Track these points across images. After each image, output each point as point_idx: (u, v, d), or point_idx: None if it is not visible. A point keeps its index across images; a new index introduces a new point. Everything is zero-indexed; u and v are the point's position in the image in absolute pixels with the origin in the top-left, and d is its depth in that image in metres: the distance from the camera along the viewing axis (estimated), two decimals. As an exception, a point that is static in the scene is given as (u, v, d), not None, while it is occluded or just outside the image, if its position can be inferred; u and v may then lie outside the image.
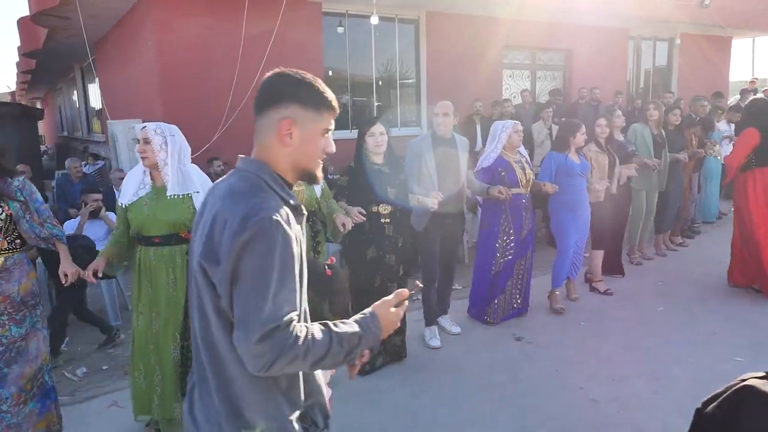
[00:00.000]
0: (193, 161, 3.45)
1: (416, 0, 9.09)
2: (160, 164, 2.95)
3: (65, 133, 17.84)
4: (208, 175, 3.57)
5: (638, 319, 4.64)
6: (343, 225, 3.31)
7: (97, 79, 11.73)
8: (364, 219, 3.44)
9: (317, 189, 3.40)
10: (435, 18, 9.76)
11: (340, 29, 9.22)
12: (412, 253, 3.99)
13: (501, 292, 4.55)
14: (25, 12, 11.14)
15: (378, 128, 3.62)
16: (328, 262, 2.07)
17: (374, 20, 8.80)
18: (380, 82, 9.93)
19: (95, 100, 12.50)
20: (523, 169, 4.50)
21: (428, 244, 4.17)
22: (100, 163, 10.49)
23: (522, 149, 4.70)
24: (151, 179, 3.02)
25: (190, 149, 3.15)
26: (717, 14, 11.82)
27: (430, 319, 4.34)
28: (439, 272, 4.33)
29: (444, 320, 4.51)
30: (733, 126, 7.70)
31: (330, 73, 9.39)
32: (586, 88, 10.21)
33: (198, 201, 2.95)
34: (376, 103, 9.83)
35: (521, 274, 4.66)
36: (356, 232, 3.48)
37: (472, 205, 5.58)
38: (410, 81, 10.13)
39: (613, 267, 5.69)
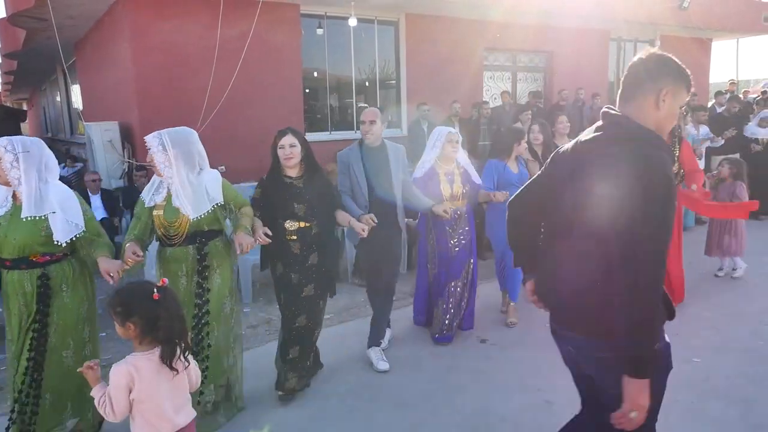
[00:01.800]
0: None
1: (396, 2, 9.11)
2: (13, 183, 2.76)
3: (49, 134, 17.74)
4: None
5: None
6: (240, 246, 2.96)
7: (78, 80, 11.70)
8: (269, 241, 3.12)
9: (214, 197, 3.10)
10: (415, 20, 9.79)
11: (319, 31, 9.23)
12: (331, 275, 3.62)
13: (435, 305, 4.34)
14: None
15: (288, 140, 3.36)
16: (160, 283, 2.00)
17: (352, 22, 8.82)
18: (365, 84, 9.95)
19: (78, 101, 12.43)
20: (452, 182, 4.23)
21: (366, 259, 4.00)
22: (79, 165, 10.44)
23: (462, 159, 4.40)
24: (13, 197, 2.84)
25: (56, 163, 2.97)
26: (696, 16, 11.93)
27: (375, 339, 4.03)
28: (378, 294, 4.04)
29: (372, 352, 3.99)
30: (703, 128, 7.63)
31: (315, 74, 9.41)
32: (567, 89, 10.27)
33: (56, 221, 2.76)
34: (356, 105, 9.84)
35: (457, 297, 4.30)
36: (267, 246, 3.24)
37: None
38: (390, 82, 10.16)
39: None
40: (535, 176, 2.18)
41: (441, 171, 4.24)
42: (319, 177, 3.52)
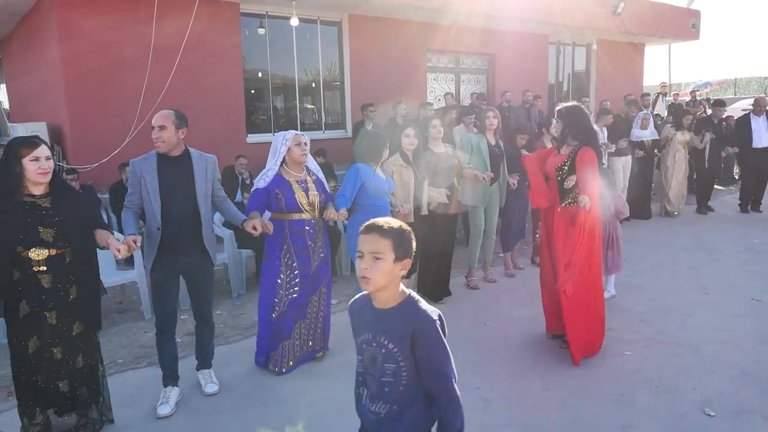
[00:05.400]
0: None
1: (338, 2, 9.07)
2: None
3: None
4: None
5: (540, 318, 4.78)
6: None
7: (4, 79, 11.09)
8: None
9: None
10: (358, 21, 9.78)
11: (261, 31, 9.09)
12: (94, 308, 3.05)
13: (287, 336, 3.80)
14: None
15: (43, 151, 2.77)
16: None
17: (294, 22, 8.73)
18: (310, 85, 9.85)
19: (5, 101, 11.80)
20: (307, 190, 3.78)
21: (157, 287, 3.42)
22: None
23: (312, 164, 3.97)
24: None
25: None
26: (629, 21, 12.43)
27: (207, 361, 3.72)
28: (195, 319, 3.68)
29: (201, 375, 3.69)
30: (605, 131, 7.55)
31: (260, 75, 9.25)
32: (510, 91, 10.46)
33: None
34: (299, 106, 9.74)
35: (315, 314, 3.97)
36: (7, 282, 2.80)
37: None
38: (334, 83, 10.10)
39: (440, 291, 5.17)
40: None
41: (291, 178, 3.75)
42: (71, 192, 3.02)
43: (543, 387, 3.59)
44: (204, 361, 3.72)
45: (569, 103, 4.00)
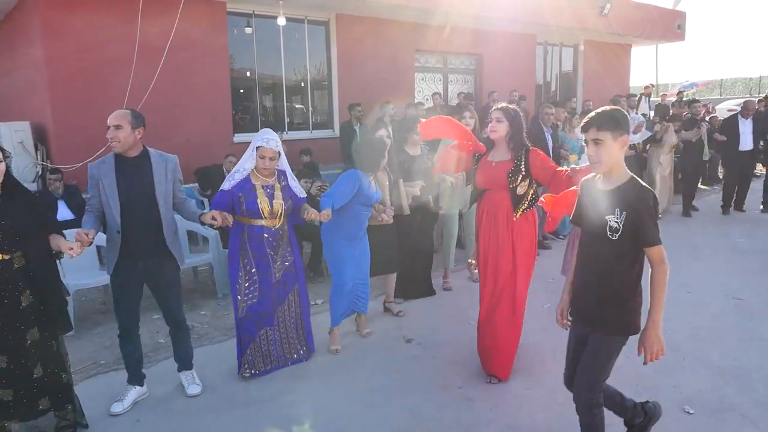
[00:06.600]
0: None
1: (325, 2, 9.05)
2: None
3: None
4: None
5: (525, 316, 4.80)
6: None
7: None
8: None
9: None
10: (345, 20, 9.77)
11: (248, 30, 9.06)
12: (58, 310, 2.98)
13: (253, 338, 3.75)
14: None
15: None
16: None
17: (281, 21, 8.71)
18: (298, 84, 9.83)
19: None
20: (272, 197, 3.63)
21: (118, 290, 3.37)
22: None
23: (287, 169, 3.82)
24: None
25: None
26: (616, 22, 12.52)
27: (187, 362, 3.67)
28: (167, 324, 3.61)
29: (184, 376, 3.65)
30: None
31: (248, 74, 9.21)
32: (497, 91, 10.50)
33: None
34: (286, 105, 9.72)
35: (285, 323, 3.87)
36: None
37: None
38: (322, 83, 10.09)
39: (423, 289, 5.21)
40: None
41: (258, 183, 3.64)
42: (23, 194, 2.89)
43: (526, 386, 3.61)
44: (183, 362, 3.68)
45: (512, 105, 3.69)
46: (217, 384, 3.70)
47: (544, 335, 4.38)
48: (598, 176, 2.45)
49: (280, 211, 3.65)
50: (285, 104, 9.67)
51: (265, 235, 3.65)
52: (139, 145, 3.29)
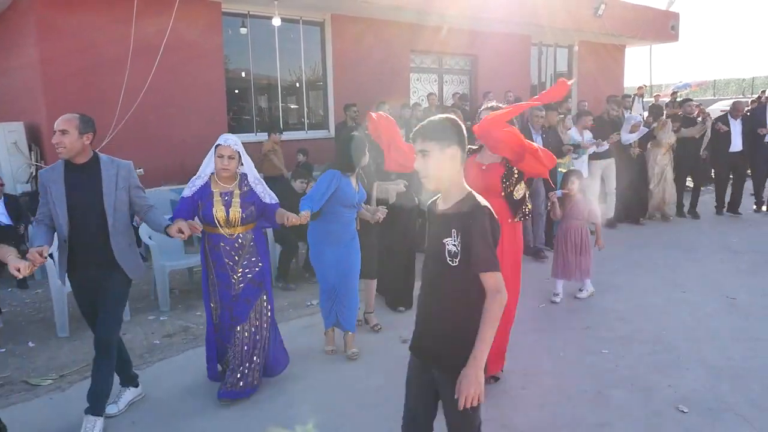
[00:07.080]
0: None
1: (320, 2, 9.05)
2: None
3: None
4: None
5: (521, 316, 4.81)
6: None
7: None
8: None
9: None
10: (340, 21, 9.77)
11: (243, 30, 9.05)
12: None
13: (224, 353, 3.61)
14: None
15: None
16: None
17: (276, 22, 8.70)
18: (294, 85, 9.82)
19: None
20: (230, 204, 3.41)
21: (79, 302, 3.28)
22: (-17, 168, 9.70)
23: (251, 173, 3.57)
24: None
25: None
26: (610, 23, 12.56)
27: (97, 405, 3.19)
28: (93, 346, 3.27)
29: (87, 421, 3.11)
30: (587, 133, 7.32)
31: (243, 74, 9.20)
32: (492, 92, 10.52)
33: None
34: (281, 106, 9.71)
35: (242, 344, 3.50)
36: None
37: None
38: (317, 83, 10.09)
39: (405, 299, 5.07)
40: None
41: (216, 190, 3.43)
42: None
43: (521, 386, 3.62)
44: (93, 403, 3.13)
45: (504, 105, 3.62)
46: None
47: (539, 335, 4.40)
48: (438, 197, 2.17)
49: (237, 218, 3.43)
50: (280, 104, 9.66)
51: (222, 243, 3.44)
52: (88, 151, 3.12)
